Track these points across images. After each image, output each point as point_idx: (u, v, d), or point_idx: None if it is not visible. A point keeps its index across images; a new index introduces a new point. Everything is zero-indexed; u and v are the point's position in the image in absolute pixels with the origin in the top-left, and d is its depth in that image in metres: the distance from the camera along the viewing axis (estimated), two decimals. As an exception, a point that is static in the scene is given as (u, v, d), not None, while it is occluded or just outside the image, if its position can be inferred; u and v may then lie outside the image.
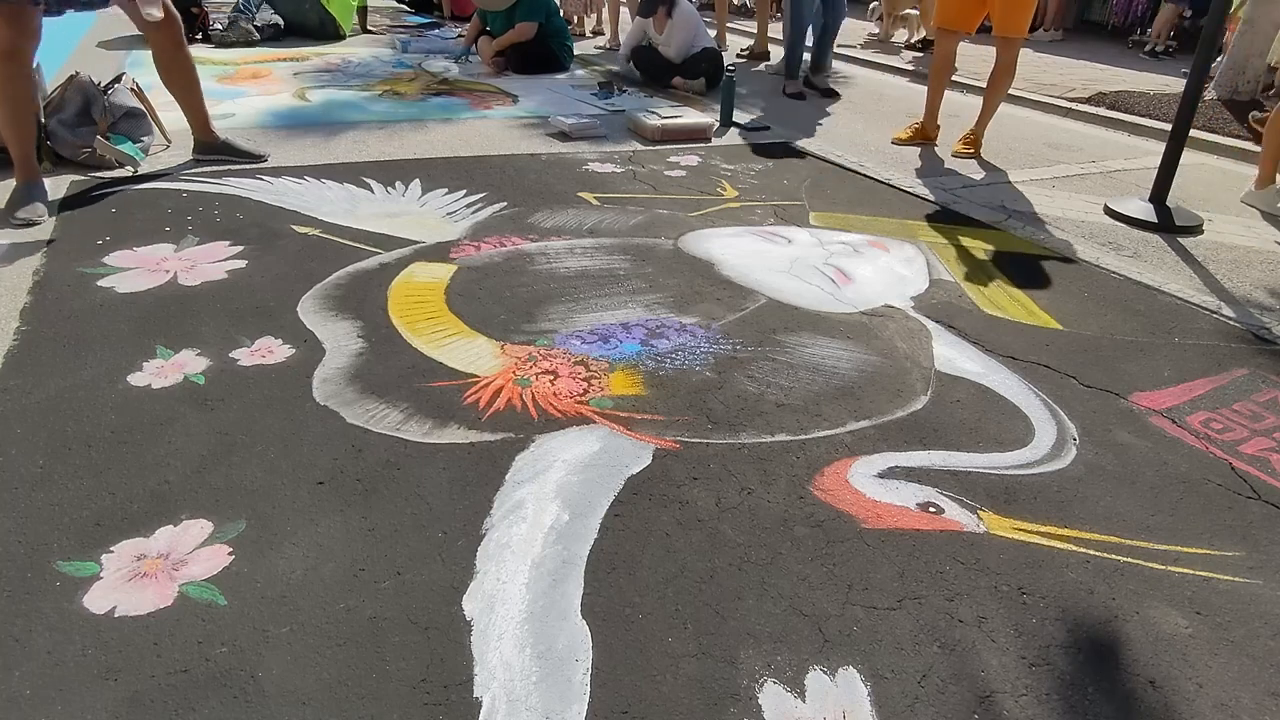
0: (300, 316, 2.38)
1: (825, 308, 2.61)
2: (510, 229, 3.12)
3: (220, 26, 6.79)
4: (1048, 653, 1.39)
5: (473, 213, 3.27)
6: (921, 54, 7.52)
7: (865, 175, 4.03)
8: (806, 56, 5.89)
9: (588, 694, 1.28)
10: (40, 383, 2.01)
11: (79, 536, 1.54)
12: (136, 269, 2.63)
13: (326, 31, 7.06)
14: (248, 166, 3.64)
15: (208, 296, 2.48)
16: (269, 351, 2.20)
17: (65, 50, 6.17)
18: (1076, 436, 2.00)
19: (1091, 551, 1.63)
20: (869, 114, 5.51)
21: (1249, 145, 4.68)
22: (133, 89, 3.79)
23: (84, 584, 1.44)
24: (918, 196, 3.75)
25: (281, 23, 6.98)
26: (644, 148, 4.32)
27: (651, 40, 5.83)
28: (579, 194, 3.54)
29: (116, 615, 1.38)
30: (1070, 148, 4.80)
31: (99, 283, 2.52)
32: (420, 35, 7.67)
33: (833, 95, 5.87)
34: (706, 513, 1.68)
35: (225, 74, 5.62)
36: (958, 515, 1.71)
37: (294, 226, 3.01)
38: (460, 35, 6.89)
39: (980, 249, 3.17)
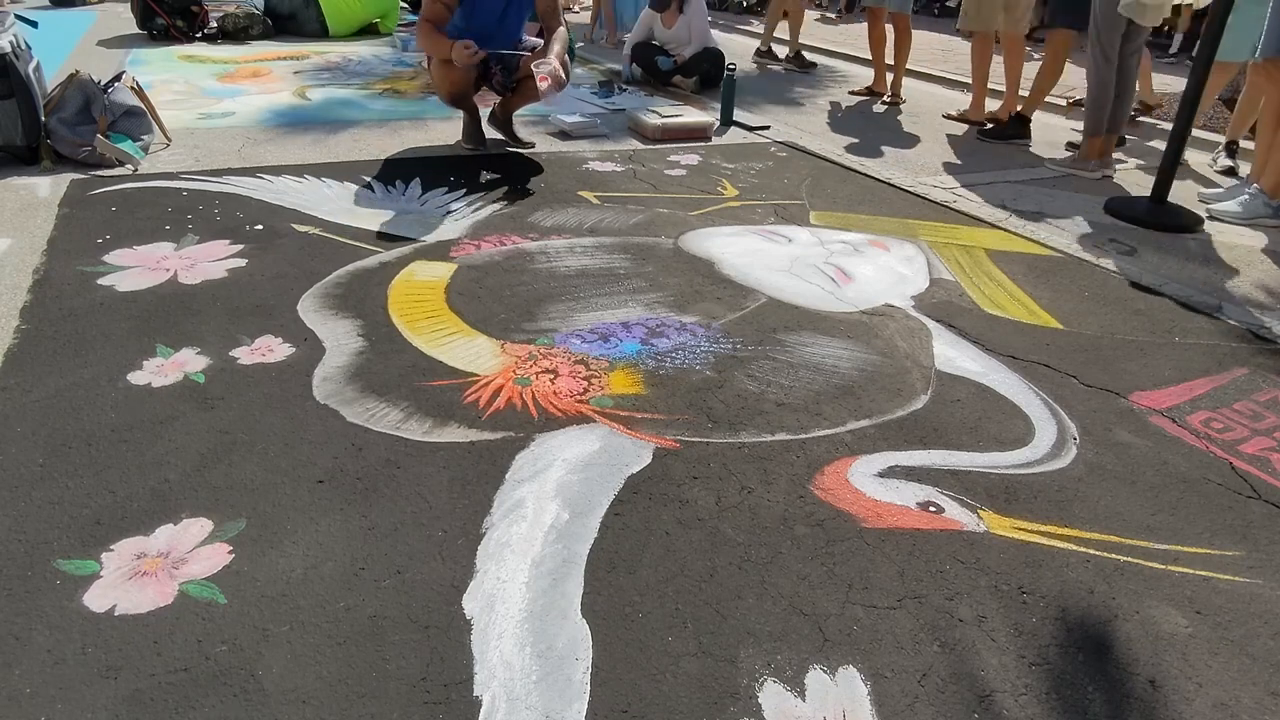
0: (300, 315, 2.38)
1: (826, 307, 2.60)
2: (510, 227, 3.12)
3: (215, 25, 6.82)
4: (1048, 652, 1.40)
5: (473, 211, 3.27)
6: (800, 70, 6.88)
7: (866, 174, 4.03)
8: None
9: (588, 693, 1.28)
10: (40, 381, 2.01)
11: (79, 535, 1.54)
12: (137, 267, 2.63)
13: (308, 23, 7.04)
14: (248, 165, 3.64)
15: (208, 295, 2.48)
16: (269, 350, 2.19)
17: (65, 49, 6.18)
18: (1077, 436, 2.00)
19: (1092, 551, 1.63)
20: (870, 113, 5.50)
21: (1250, 145, 4.67)
22: (133, 87, 3.78)
23: (84, 582, 1.44)
24: (918, 195, 3.75)
25: (265, 18, 7.01)
26: (644, 146, 4.32)
27: (658, 37, 5.77)
28: (579, 193, 3.54)
29: (117, 614, 1.38)
30: (1071, 147, 4.79)
31: (99, 281, 2.52)
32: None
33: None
34: (706, 512, 1.68)
35: (225, 72, 5.62)
36: (958, 514, 1.71)
37: (294, 225, 3.01)
38: None
39: (980, 248, 3.16)
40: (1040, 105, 4.96)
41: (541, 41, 3.86)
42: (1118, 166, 4.31)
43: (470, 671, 1.30)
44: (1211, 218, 3.59)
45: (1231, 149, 4.39)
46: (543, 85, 3.53)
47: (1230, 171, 4.31)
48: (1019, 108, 4.88)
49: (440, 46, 3.60)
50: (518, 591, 1.46)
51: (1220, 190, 3.89)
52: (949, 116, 5.36)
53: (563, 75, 3.62)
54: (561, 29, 3.80)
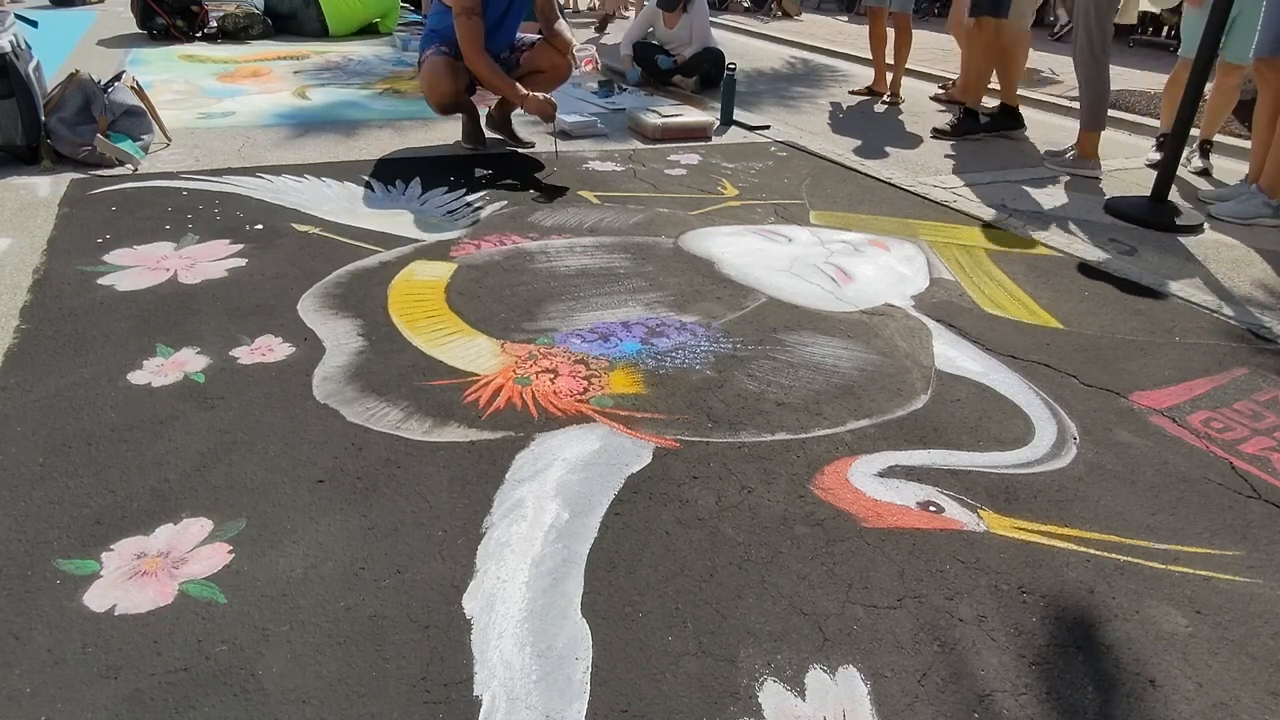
0: (300, 315, 2.38)
1: (826, 306, 2.60)
2: (510, 227, 3.12)
3: (215, 24, 6.82)
4: (1048, 652, 1.39)
5: (473, 211, 3.27)
6: None
7: (866, 174, 4.03)
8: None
9: (588, 692, 1.28)
10: (40, 381, 2.01)
11: (79, 534, 1.54)
12: (137, 267, 2.63)
13: (308, 23, 7.04)
14: (248, 165, 3.64)
15: (208, 295, 2.48)
16: (269, 350, 2.19)
17: (65, 48, 6.18)
18: (1077, 436, 2.00)
19: (1091, 551, 1.63)
20: (870, 113, 5.50)
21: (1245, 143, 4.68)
22: (133, 87, 3.78)
23: (84, 582, 1.44)
24: (918, 195, 3.74)
25: (267, 19, 7.01)
26: (644, 146, 4.32)
27: (659, 37, 5.77)
28: (579, 192, 3.54)
29: (117, 613, 1.38)
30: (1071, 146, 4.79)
31: (99, 281, 2.52)
32: (419, 34, 7.66)
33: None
34: (706, 511, 1.68)
35: (225, 71, 5.62)
36: (958, 514, 1.71)
37: (294, 225, 3.01)
38: None
39: (981, 248, 3.16)
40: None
41: (537, 38, 3.87)
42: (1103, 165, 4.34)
43: (470, 671, 1.30)
44: (1211, 217, 3.59)
45: (1205, 149, 4.37)
46: (589, 67, 3.61)
47: (1204, 173, 4.28)
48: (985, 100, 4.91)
49: (504, 82, 3.59)
50: (518, 591, 1.46)
51: (1221, 190, 3.89)
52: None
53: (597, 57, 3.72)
54: (562, 20, 3.82)
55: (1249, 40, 3.70)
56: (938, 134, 4.85)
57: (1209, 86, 4.27)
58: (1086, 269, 3.00)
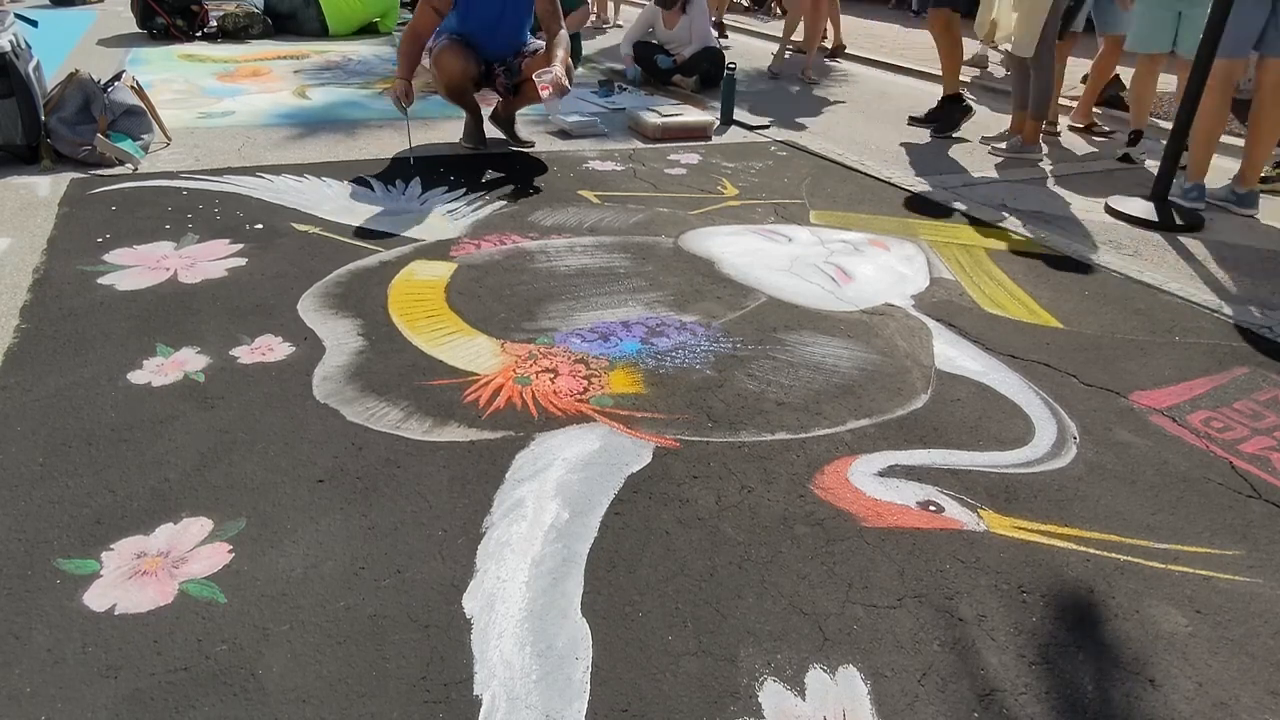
0: (300, 314, 2.38)
1: (825, 306, 2.60)
2: (510, 227, 3.12)
3: (215, 24, 6.82)
4: (1047, 652, 1.40)
5: (473, 210, 3.27)
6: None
7: (866, 173, 4.03)
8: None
9: (588, 692, 1.28)
10: (40, 380, 2.01)
11: (79, 534, 1.54)
12: (137, 267, 2.63)
13: (308, 22, 7.03)
14: (248, 164, 3.64)
15: (208, 294, 2.48)
16: (269, 349, 2.19)
17: (65, 48, 6.17)
18: (1077, 435, 2.00)
19: (1091, 550, 1.63)
20: (870, 112, 5.50)
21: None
22: (133, 87, 3.78)
23: (84, 582, 1.44)
24: (918, 195, 3.74)
25: (267, 19, 7.01)
26: (644, 146, 4.32)
27: (659, 37, 5.77)
28: (579, 192, 3.54)
29: (117, 613, 1.38)
30: (1071, 146, 4.80)
31: (99, 280, 2.52)
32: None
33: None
34: (706, 511, 1.68)
35: (225, 71, 5.62)
36: (958, 514, 1.71)
37: (294, 224, 3.01)
38: None
39: (981, 247, 3.16)
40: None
41: (543, 44, 3.85)
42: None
43: (470, 671, 1.30)
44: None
45: (1135, 138, 4.48)
46: (544, 93, 3.51)
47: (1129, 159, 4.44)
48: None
49: (404, 65, 3.74)
50: (518, 591, 1.46)
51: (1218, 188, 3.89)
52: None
53: (565, 83, 3.58)
54: (563, 32, 3.78)
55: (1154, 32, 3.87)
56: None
57: (1175, 80, 4.38)
58: (1086, 269, 3.00)
